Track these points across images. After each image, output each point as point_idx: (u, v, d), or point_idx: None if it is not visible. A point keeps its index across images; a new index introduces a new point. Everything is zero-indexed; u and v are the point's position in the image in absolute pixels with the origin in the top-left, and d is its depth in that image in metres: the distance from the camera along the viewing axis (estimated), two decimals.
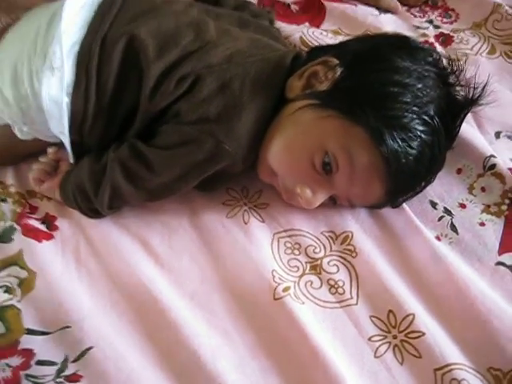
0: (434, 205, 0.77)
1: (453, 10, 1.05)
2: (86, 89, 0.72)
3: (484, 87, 0.73)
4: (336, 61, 0.71)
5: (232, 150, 0.70)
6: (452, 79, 0.73)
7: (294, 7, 1.03)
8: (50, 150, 0.80)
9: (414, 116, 0.67)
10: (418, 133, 0.67)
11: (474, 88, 0.74)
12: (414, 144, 0.66)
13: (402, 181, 0.69)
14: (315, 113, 0.70)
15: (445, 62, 0.74)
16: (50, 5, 0.79)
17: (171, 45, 0.73)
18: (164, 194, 0.75)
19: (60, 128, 0.74)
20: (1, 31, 0.81)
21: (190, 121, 0.71)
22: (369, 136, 0.66)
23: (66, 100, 0.72)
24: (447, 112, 0.70)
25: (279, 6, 1.03)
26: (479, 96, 0.74)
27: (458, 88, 0.74)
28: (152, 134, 0.74)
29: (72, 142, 0.75)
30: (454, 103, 0.72)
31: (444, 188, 0.79)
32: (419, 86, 0.68)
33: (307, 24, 1.00)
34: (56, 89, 0.72)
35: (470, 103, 0.73)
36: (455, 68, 0.73)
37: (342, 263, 0.71)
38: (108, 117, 0.74)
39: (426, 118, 0.67)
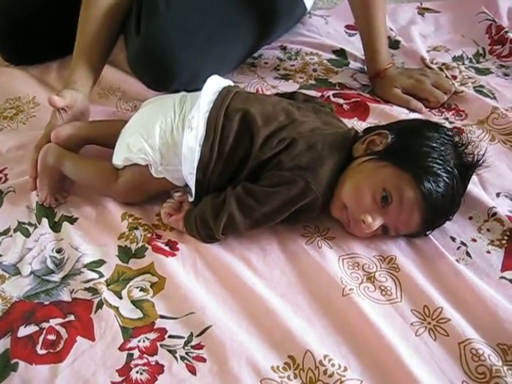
0: (453, 239, 0.97)
1: (463, 111, 1.26)
2: (212, 142, 0.95)
3: (483, 155, 0.95)
4: (387, 132, 0.96)
5: (316, 188, 0.92)
6: (462, 148, 0.95)
7: (345, 106, 1.25)
8: (177, 194, 1.01)
9: (440, 167, 0.89)
10: (444, 178, 0.89)
11: (478, 156, 0.95)
12: (441, 185, 0.89)
13: (433, 211, 0.90)
14: (375, 163, 0.93)
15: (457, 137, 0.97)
16: (171, 95, 1.06)
17: (272, 119, 0.97)
18: (264, 222, 0.94)
19: (190, 169, 0.95)
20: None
21: (287, 168, 0.93)
22: (413, 178, 0.89)
23: (197, 149, 0.95)
24: (461, 166, 0.92)
25: (335, 105, 1.22)
26: (480, 161, 0.95)
27: (467, 153, 0.95)
28: (257, 180, 0.95)
29: (196, 181, 0.96)
30: (465, 162, 0.94)
31: (460, 228, 0.99)
32: (442, 148, 0.92)
33: (356, 119, 1.22)
34: (192, 141, 0.95)
35: (476, 163, 0.95)
36: (464, 141, 0.96)
37: (389, 276, 0.91)
38: (226, 162, 0.96)
39: (448, 168, 0.90)
